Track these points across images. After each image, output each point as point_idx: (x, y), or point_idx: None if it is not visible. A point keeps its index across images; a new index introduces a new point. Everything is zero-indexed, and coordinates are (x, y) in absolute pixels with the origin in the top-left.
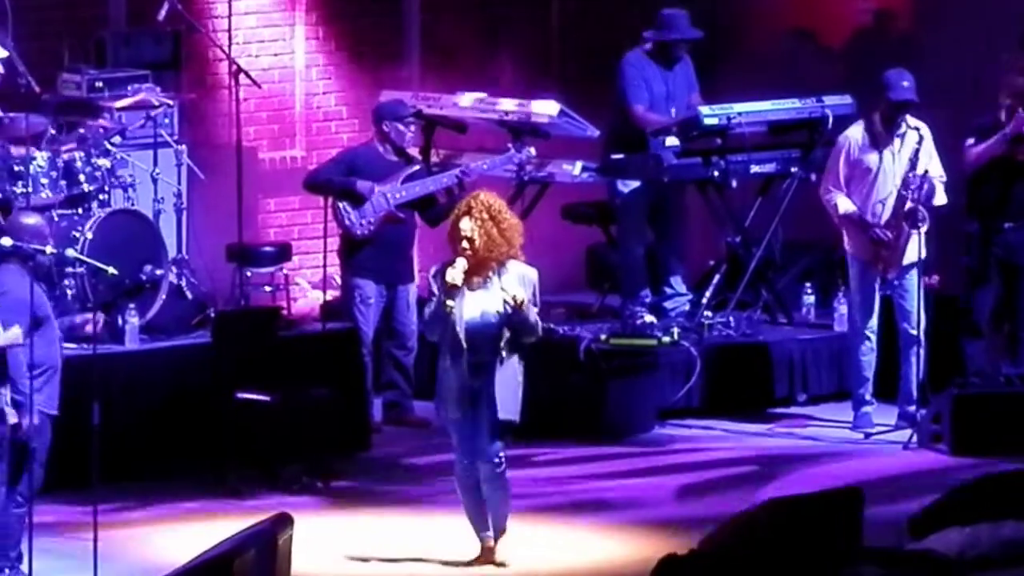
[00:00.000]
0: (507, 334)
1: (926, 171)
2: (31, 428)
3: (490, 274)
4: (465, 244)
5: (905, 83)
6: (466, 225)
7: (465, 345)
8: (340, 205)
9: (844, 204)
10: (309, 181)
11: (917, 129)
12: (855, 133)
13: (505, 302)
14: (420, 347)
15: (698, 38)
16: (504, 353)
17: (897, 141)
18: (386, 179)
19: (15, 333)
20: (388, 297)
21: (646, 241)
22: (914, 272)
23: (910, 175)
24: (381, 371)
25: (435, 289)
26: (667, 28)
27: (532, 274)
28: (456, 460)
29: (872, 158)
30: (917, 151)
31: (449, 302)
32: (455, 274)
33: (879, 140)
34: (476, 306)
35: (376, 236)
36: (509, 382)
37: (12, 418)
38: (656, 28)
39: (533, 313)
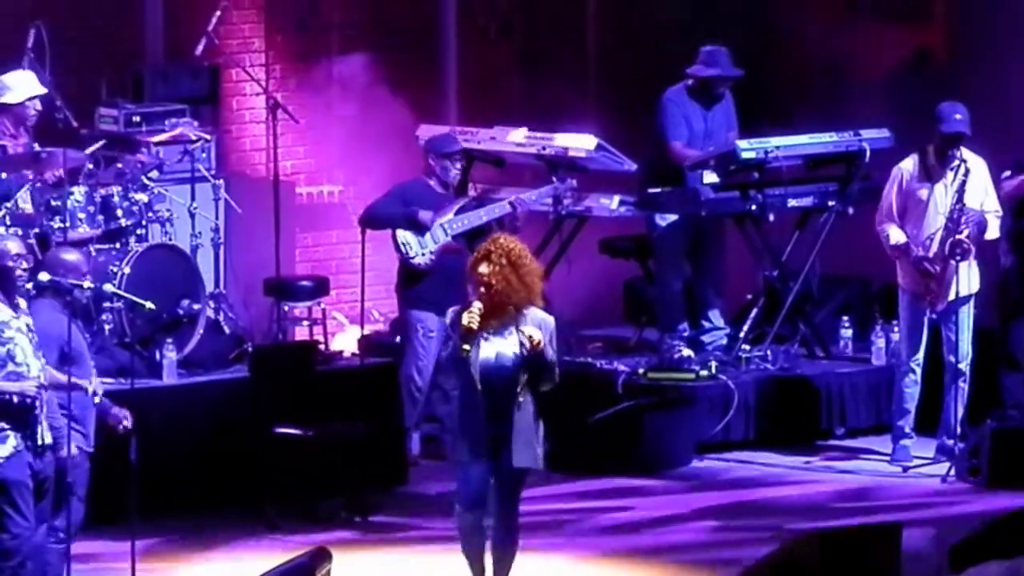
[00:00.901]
0: (524, 379)
1: (971, 204)
2: (68, 461)
3: (508, 320)
4: (483, 288)
5: (958, 116)
6: (484, 269)
7: (481, 389)
8: (400, 238)
9: (896, 235)
10: (367, 216)
11: (964, 162)
12: (908, 165)
13: (521, 344)
14: None
15: (739, 76)
16: (521, 399)
17: (950, 174)
18: (439, 212)
19: (28, 385)
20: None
21: (684, 275)
22: (966, 306)
23: (955, 207)
24: (425, 403)
25: (451, 333)
26: (708, 64)
27: (550, 321)
28: (458, 511)
29: (924, 190)
30: (964, 183)
31: (465, 346)
32: (471, 318)
33: (932, 173)
34: (492, 351)
35: (435, 267)
36: (527, 429)
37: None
38: (698, 64)
39: (550, 354)
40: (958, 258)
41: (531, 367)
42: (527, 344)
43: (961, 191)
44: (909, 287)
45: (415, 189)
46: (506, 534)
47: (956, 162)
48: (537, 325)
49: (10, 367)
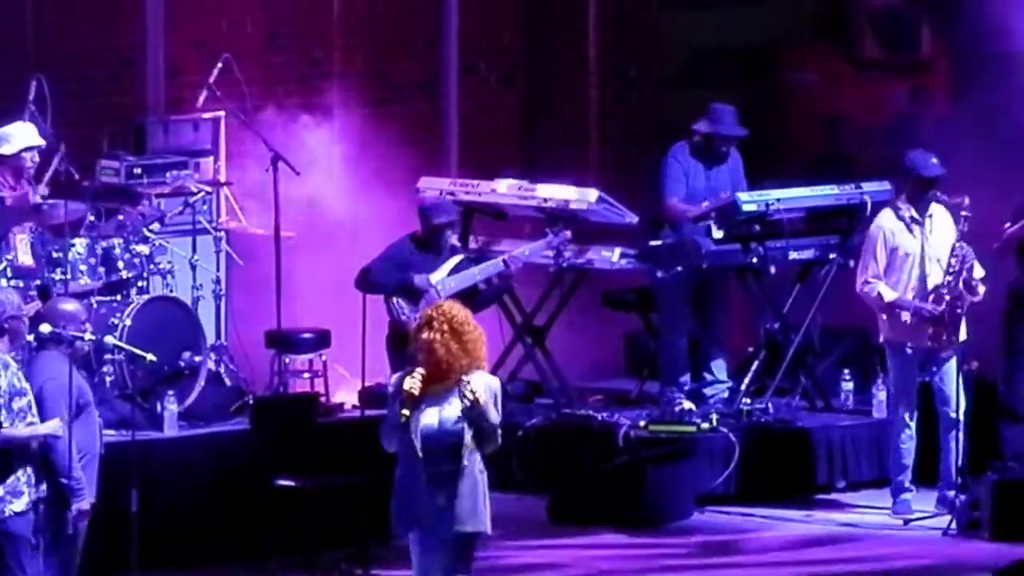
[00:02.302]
0: (468, 441)
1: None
2: (83, 513)
3: (451, 386)
4: (425, 355)
5: (933, 160)
6: (426, 336)
7: (422, 455)
8: (394, 300)
9: (888, 293)
10: (362, 281)
11: (958, 205)
12: (887, 222)
13: (463, 397)
14: None
15: (743, 136)
16: (465, 463)
17: (928, 221)
18: (432, 270)
19: (54, 426)
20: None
21: (687, 327)
22: (953, 357)
23: (957, 245)
24: None
25: (391, 399)
26: (713, 121)
27: (495, 383)
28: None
29: (908, 242)
30: (966, 218)
31: (404, 411)
32: (413, 384)
33: (910, 223)
34: (435, 417)
35: None
36: (472, 492)
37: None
38: (703, 120)
39: (493, 414)
40: (975, 296)
41: (474, 427)
42: (469, 398)
43: (963, 231)
44: (901, 341)
45: (408, 249)
46: None
47: (931, 209)
48: (482, 387)
49: (29, 418)
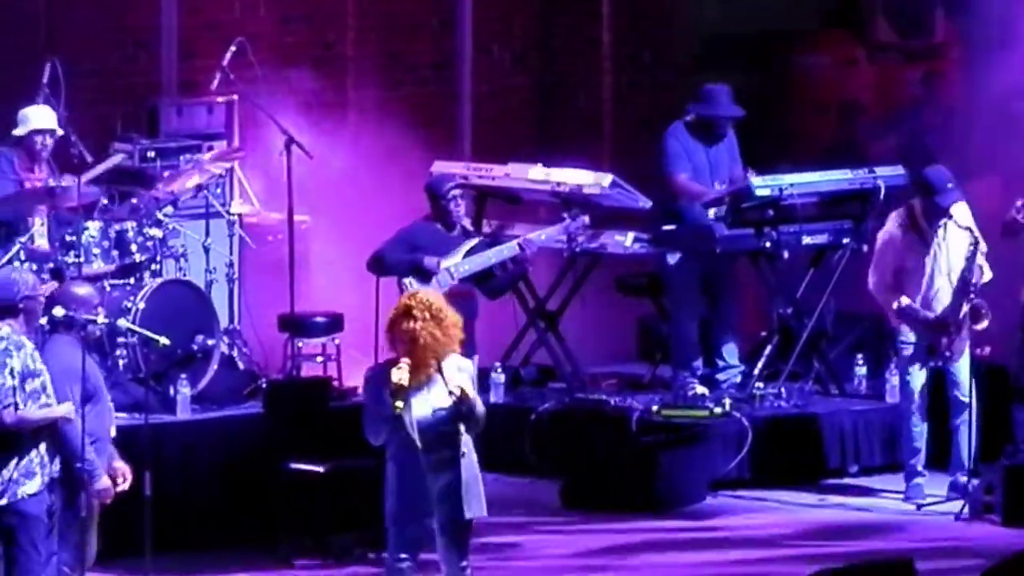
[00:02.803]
0: (462, 427)
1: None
2: (102, 492)
3: (431, 371)
4: (409, 345)
5: (950, 184)
6: (409, 326)
7: (421, 446)
8: (405, 282)
9: (902, 299)
10: (374, 263)
11: (957, 223)
12: (896, 230)
13: (451, 393)
14: None
15: (740, 116)
16: (464, 448)
17: (941, 231)
18: (447, 253)
19: (67, 408)
20: None
21: (698, 312)
22: (965, 341)
23: (966, 272)
24: None
25: (367, 393)
26: (709, 103)
27: (470, 365)
28: (393, 563)
29: (920, 254)
30: (974, 251)
31: (398, 403)
32: (401, 375)
33: (925, 235)
34: (426, 404)
35: None
36: (474, 478)
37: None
38: (698, 102)
39: (479, 405)
40: (981, 324)
41: (462, 417)
42: (456, 394)
43: (972, 258)
44: (910, 338)
45: (423, 231)
46: None
47: (944, 221)
48: (457, 370)
49: (43, 399)
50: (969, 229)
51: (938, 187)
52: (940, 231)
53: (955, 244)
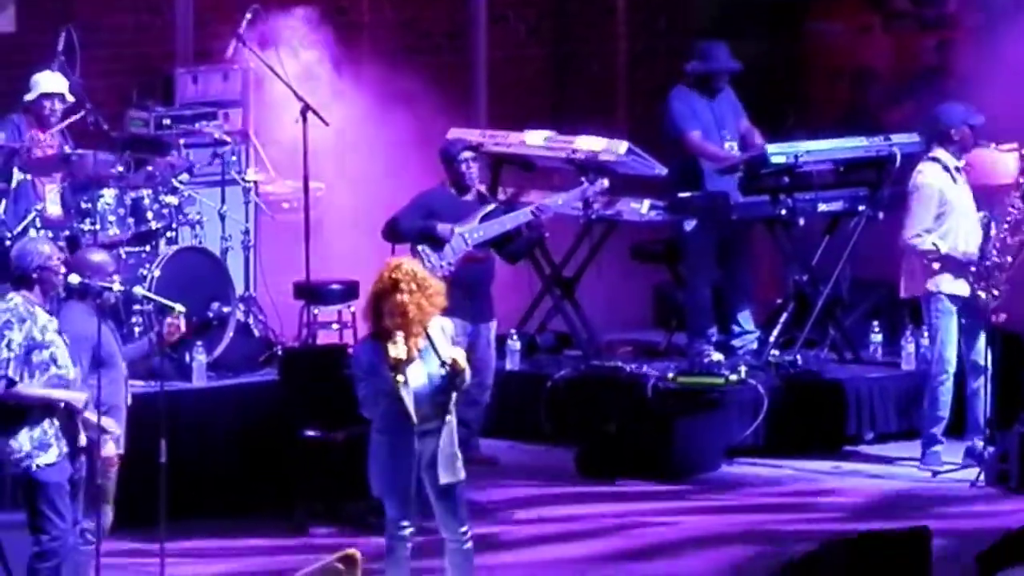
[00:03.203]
0: (453, 396)
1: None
2: (100, 464)
3: (420, 340)
4: (399, 318)
5: (973, 111)
6: (399, 299)
7: (416, 417)
8: (420, 248)
9: (942, 245)
10: (389, 230)
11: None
12: (938, 176)
13: (443, 364)
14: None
15: (737, 69)
16: (449, 416)
17: (961, 174)
18: (463, 219)
19: (78, 396)
20: (470, 335)
21: (713, 279)
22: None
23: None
24: None
25: (362, 370)
26: (707, 59)
27: (450, 325)
28: (393, 535)
29: (954, 195)
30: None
31: (400, 377)
32: (400, 350)
33: (954, 176)
34: (420, 375)
35: (456, 276)
36: (450, 445)
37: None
38: (696, 59)
39: (468, 371)
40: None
41: (456, 386)
42: (450, 366)
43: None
44: (950, 292)
45: (438, 197)
46: (462, 547)
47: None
48: (441, 333)
49: (53, 370)
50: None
51: (966, 113)
52: (961, 173)
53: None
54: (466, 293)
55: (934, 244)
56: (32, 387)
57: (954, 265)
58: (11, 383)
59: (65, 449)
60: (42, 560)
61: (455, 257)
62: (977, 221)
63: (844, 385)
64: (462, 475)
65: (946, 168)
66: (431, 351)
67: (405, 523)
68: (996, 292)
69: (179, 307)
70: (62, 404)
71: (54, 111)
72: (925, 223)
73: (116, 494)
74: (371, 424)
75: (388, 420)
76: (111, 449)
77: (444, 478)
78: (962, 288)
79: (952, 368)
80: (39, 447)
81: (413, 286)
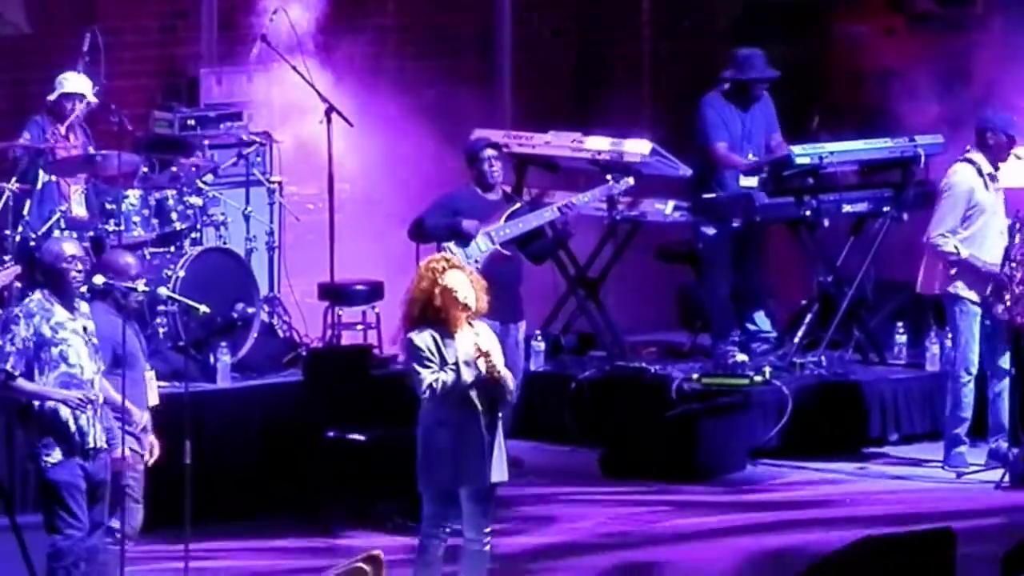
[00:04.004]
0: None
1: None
2: (121, 463)
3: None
4: (468, 303)
5: (1015, 118)
6: (467, 288)
7: (479, 406)
8: (446, 247)
9: (964, 249)
10: (415, 229)
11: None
12: (969, 177)
13: (488, 371)
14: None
15: (775, 77)
16: (502, 411)
17: (995, 181)
18: (488, 218)
19: (72, 394)
20: (499, 335)
21: (730, 280)
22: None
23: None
24: None
25: (415, 356)
26: (744, 67)
27: (486, 328)
28: (433, 534)
29: (985, 199)
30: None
31: (484, 367)
32: (484, 342)
33: (987, 182)
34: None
35: (484, 275)
36: (502, 441)
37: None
38: (733, 68)
39: (511, 383)
40: None
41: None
42: (494, 374)
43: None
44: (970, 296)
45: (463, 197)
46: (483, 548)
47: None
48: (486, 331)
49: (63, 368)
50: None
51: (1006, 121)
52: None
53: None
54: (494, 292)
55: (955, 247)
56: (37, 384)
57: (972, 272)
58: (9, 376)
59: (76, 447)
60: (55, 559)
61: (482, 256)
62: (1005, 229)
63: (868, 386)
64: (507, 475)
65: (980, 172)
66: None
67: (444, 522)
68: (1008, 303)
69: (203, 308)
70: (62, 409)
71: (75, 110)
72: (949, 223)
73: (144, 493)
74: (425, 417)
75: (449, 410)
76: (128, 448)
77: (495, 476)
78: (983, 291)
79: (974, 369)
80: (46, 445)
81: (472, 274)
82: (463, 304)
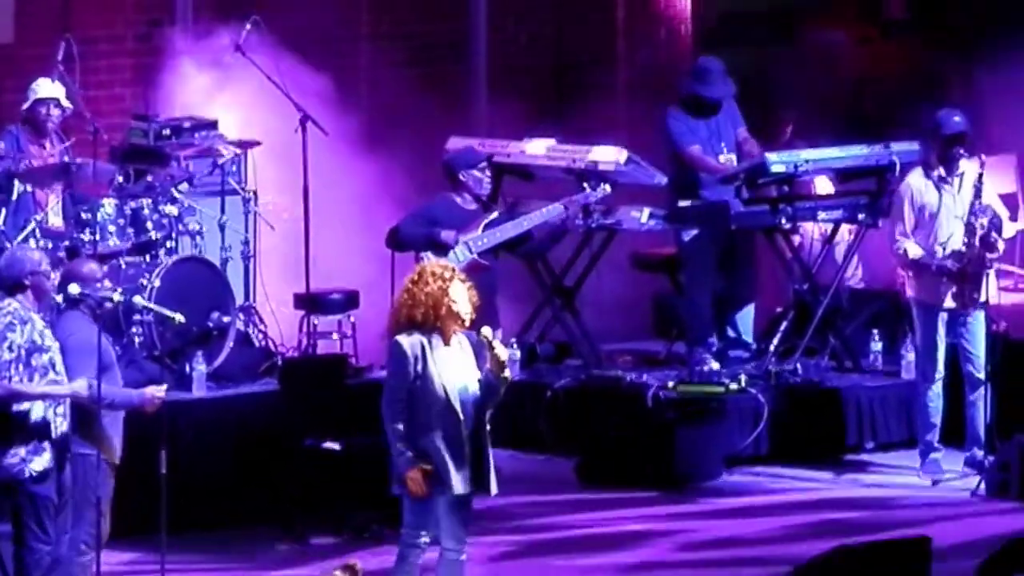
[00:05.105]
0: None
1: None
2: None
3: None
4: (464, 317)
5: (956, 118)
6: (466, 302)
7: (461, 415)
8: (423, 256)
9: (914, 249)
10: (392, 238)
11: (982, 163)
12: (915, 180)
13: (498, 360)
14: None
15: (730, 94)
16: (488, 422)
17: (956, 180)
18: (466, 228)
19: (74, 386)
20: (475, 345)
21: (712, 288)
22: (979, 315)
23: (976, 203)
24: None
25: (403, 366)
26: (702, 83)
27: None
28: (412, 543)
29: (934, 200)
30: (980, 176)
31: (506, 375)
32: (502, 350)
33: (939, 182)
34: (463, 372)
35: None
36: (487, 450)
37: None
38: (692, 78)
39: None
40: (993, 253)
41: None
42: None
43: (979, 184)
44: (927, 300)
45: (442, 207)
46: (460, 558)
47: (961, 168)
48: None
49: (51, 375)
50: (979, 172)
51: (943, 121)
52: (955, 180)
53: (968, 193)
54: None
55: (905, 250)
56: (31, 386)
57: (927, 274)
58: (11, 382)
59: (53, 458)
60: (25, 573)
61: (460, 265)
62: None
63: (844, 394)
64: (496, 488)
65: (929, 175)
66: (469, 351)
67: (423, 531)
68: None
69: (179, 317)
70: (58, 408)
71: (50, 116)
72: (899, 227)
73: (113, 504)
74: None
75: (434, 418)
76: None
77: (478, 487)
78: (941, 297)
79: (938, 375)
80: (33, 451)
81: (467, 281)
82: (461, 318)
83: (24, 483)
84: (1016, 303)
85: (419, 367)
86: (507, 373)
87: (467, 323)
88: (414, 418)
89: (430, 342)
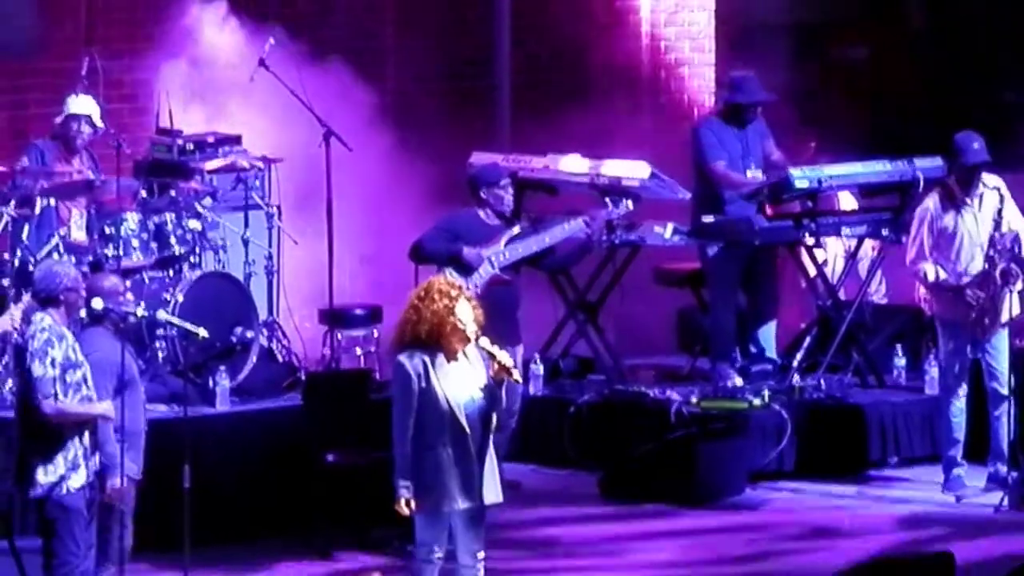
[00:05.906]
0: (494, 413)
1: (1011, 230)
2: (116, 491)
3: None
4: (470, 336)
5: (976, 145)
6: (472, 322)
7: (468, 429)
8: (446, 271)
9: (934, 272)
10: (415, 252)
11: (997, 188)
12: (932, 203)
13: (501, 373)
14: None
15: (770, 101)
16: (493, 435)
17: (976, 202)
18: (488, 242)
19: (106, 407)
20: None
21: (736, 303)
22: (1004, 332)
23: (995, 235)
24: None
25: (401, 382)
26: (739, 91)
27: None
28: (426, 559)
29: (953, 224)
30: (1000, 211)
31: (506, 385)
32: (507, 357)
33: (958, 204)
34: (468, 386)
35: (482, 300)
36: (495, 464)
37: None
38: (727, 90)
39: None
40: (1012, 284)
41: (496, 399)
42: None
43: (998, 218)
44: (949, 318)
45: (465, 221)
46: (476, 573)
47: (981, 188)
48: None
49: (84, 391)
50: (998, 191)
51: (963, 147)
52: (975, 201)
53: (989, 213)
54: (492, 317)
55: (925, 271)
56: (72, 405)
57: (945, 294)
58: (57, 399)
59: (91, 473)
60: None
61: (481, 280)
62: (982, 249)
63: (867, 410)
64: (501, 497)
65: (947, 196)
66: (478, 363)
67: (436, 547)
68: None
69: (202, 332)
70: (97, 420)
71: (80, 132)
72: (918, 249)
73: (136, 519)
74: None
75: (438, 433)
76: (118, 483)
77: (486, 498)
78: (963, 316)
79: (962, 391)
80: (72, 468)
81: (473, 299)
82: (466, 336)
83: (62, 498)
84: None
85: (423, 384)
86: (516, 375)
87: (472, 341)
88: (422, 434)
89: (433, 359)
